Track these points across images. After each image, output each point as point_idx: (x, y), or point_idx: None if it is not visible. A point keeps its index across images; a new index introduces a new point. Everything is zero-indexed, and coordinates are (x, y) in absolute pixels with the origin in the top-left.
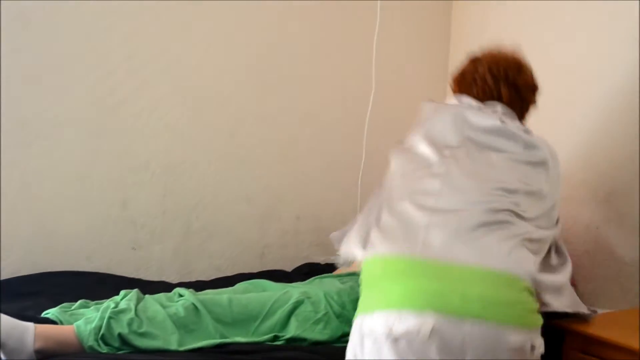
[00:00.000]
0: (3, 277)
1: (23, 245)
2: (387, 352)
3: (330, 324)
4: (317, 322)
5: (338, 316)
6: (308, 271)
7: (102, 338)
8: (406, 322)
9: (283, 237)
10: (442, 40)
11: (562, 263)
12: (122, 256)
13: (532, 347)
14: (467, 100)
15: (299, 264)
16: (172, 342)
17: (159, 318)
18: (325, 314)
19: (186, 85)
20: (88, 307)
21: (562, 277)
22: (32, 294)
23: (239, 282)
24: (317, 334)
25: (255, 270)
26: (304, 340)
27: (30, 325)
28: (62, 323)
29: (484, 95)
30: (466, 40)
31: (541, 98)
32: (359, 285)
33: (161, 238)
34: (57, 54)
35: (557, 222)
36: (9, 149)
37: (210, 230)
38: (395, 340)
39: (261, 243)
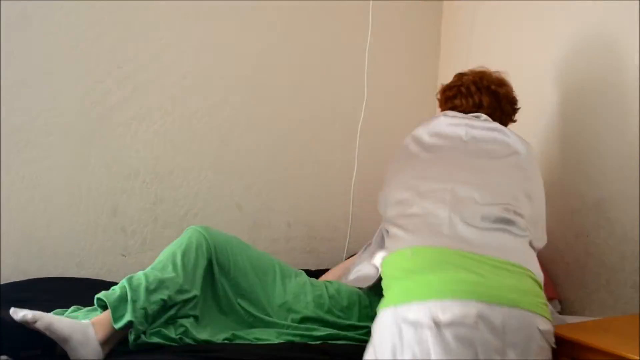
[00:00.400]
0: None
1: (13, 252)
2: (432, 341)
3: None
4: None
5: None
6: None
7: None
8: (450, 310)
9: (274, 244)
10: (432, 44)
11: None
12: (112, 263)
13: (550, 333)
14: (454, 113)
15: None
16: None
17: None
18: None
19: (176, 93)
20: (79, 311)
21: None
22: (23, 300)
23: None
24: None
25: None
26: (319, 321)
27: (87, 322)
28: None
29: (466, 103)
30: (456, 42)
31: (531, 101)
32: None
33: (152, 245)
34: (46, 62)
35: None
36: None
37: None
38: (440, 329)
39: None
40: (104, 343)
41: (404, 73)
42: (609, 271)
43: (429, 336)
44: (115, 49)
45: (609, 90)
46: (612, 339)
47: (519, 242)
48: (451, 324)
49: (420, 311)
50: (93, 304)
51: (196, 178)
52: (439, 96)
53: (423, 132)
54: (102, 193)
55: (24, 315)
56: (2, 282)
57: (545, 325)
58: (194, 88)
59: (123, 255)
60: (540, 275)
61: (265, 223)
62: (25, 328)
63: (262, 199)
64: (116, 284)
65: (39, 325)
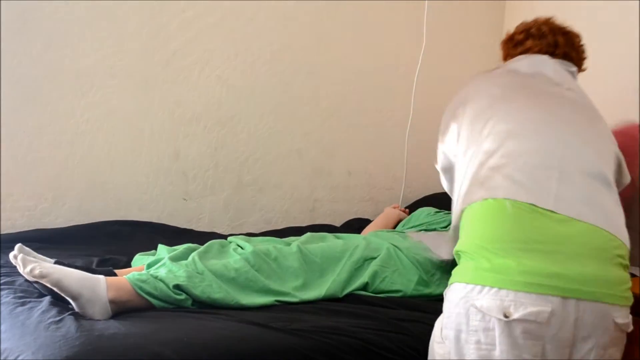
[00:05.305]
0: (57, 226)
1: (77, 195)
2: (499, 332)
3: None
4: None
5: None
6: (358, 227)
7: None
8: (523, 306)
9: (333, 192)
10: None
11: None
12: (173, 207)
13: (629, 324)
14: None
15: (349, 219)
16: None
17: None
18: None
19: (238, 39)
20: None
21: None
22: (85, 242)
23: (289, 235)
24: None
25: (305, 224)
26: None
27: (100, 276)
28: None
29: (540, 44)
30: None
31: None
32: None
33: (212, 190)
34: (111, 6)
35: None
36: (63, 99)
37: (261, 184)
38: (509, 322)
39: (311, 197)
40: (114, 301)
41: (464, 23)
42: None
43: (496, 327)
44: None
45: None
46: None
47: (612, 201)
48: (522, 320)
49: (491, 299)
50: (152, 248)
51: (257, 124)
52: (502, 45)
53: (505, 74)
54: (164, 137)
55: (31, 269)
56: (66, 224)
57: (624, 318)
58: (257, 34)
59: (184, 200)
60: (626, 241)
61: (326, 170)
62: None
63: (322, 146)
64: (178, 228)
65: (48, 281)
